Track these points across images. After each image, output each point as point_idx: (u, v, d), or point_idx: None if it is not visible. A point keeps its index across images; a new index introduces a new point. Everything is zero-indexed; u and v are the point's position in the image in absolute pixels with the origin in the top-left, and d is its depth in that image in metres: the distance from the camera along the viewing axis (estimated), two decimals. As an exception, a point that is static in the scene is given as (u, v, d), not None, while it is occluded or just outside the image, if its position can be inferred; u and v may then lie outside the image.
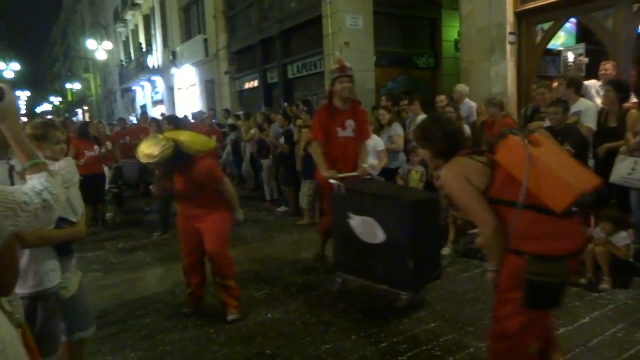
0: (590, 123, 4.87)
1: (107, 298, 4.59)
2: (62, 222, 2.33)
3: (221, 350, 3.42)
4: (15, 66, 43.41)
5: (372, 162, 5.60)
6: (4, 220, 1.13)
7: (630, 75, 5.94)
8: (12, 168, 1.91)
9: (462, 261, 5.00)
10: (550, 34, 7.07)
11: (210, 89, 17.74)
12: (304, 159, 7.35)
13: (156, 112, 21.08)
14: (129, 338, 3.70)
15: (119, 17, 28.34)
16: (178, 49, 19.73)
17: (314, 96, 11.91)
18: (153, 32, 23.66)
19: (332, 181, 4.20)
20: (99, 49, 29.18)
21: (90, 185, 7.09)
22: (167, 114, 20.10)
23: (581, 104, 4.99)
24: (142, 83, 26.35)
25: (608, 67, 5.40)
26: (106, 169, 8.09)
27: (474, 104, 6.94)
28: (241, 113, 11.55)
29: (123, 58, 30.07)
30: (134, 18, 26.77)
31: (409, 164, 6.41)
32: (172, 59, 20.12)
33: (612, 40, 6.18)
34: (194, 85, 19.14)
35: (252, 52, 14.44)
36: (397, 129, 6.47)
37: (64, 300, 2.46)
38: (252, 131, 9.25)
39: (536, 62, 7.23)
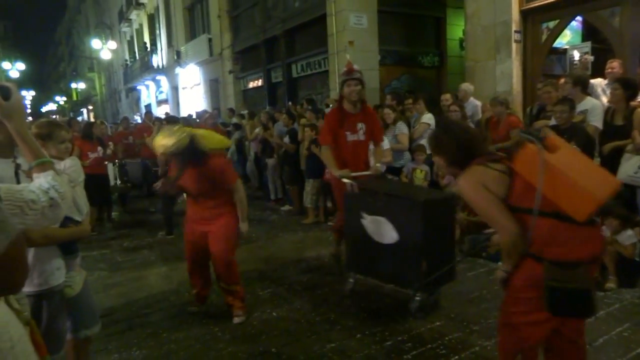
0: (596, 122, 4.85)
1: (112, 296, 4.61)
2: (67, 220, 2.35)
3: (226, 348, 3.43)
4: (20, 66, 43.68)
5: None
6: (11, 219, 1.14)
7: (636, 73, 5.90)
8: (18, 166, 1.92)
9: (467, 260, 4.99)
10: (556, 32, 7.04)
11: (214, 88, 17.77)
12: (307, 157, 7.36)
13: (160, 112, 21.12)
14: (134, 336, 3.72)
15: (123, 17, 28.44)
16: (182, 48, 19.78)
17: (318, 95, 11.93)
18: (157, 32, 23.73)
19: (345, 180, 4.15)
20: (104, 48, 29.35)
21: (94, 185, 7.13)
22: (172, 113, 20.17)
23: (587, 103, 4.97)
24: (146, 82, 26.44)
25: (614, 65, 5.37)
26: (109, 165, 8.10)
27: (478, 103, 6.92)
28: (245, 112, 11.55)
29: (127, 57, 30.17)
30: (138, 17, 26.85)
31: (413, 163, 6.40)
32: (177, 58, 20.17)
33: (618, 38, 6.16)
34: (198, 84, 19.18)
35: (256, 51, 14.45)
36: (402, 128, 6.46)
37: (68, 298, 2.48)
38: (257, 130, 9.26)
39: (541, 60, 7.20)
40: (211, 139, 3.74)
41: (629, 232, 4.24)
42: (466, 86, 7.14)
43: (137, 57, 27.74)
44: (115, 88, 35.11)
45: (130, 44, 29.93)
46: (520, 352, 2.31)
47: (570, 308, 2.10)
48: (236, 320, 3.83)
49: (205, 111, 13.32)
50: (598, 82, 5.59)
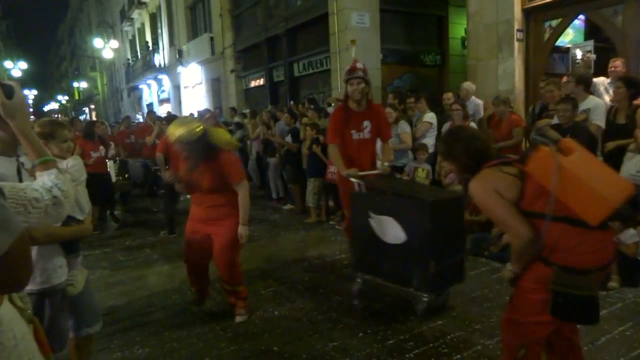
0: (599, 121, 4.83)
1: (115, 295, 4.62)
2: (69, 219, 2.37)
3: (228, 347, 3.44)
4: (23, 65, 43.81)
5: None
6: (16, 217, 1.14)
7: (639, 71, 5.89)
8: (21, 165, 1.92)
9: (470, 259, 4.98)
10: (558, 31, 7.02)
11: (216, 87, 17.77)
12: (308, 157, 7.36)
13: (162, 111, 21.14)
14: (137, 334, 3.73)
15: (125, 16, 28.44)
16: (184, 47, 19.78)
17: (320, 94, 11.92)
18: (159, 31, 23.74)
19: (353, 179, 4.09)
20: (106, 47, 29.38)
21: (97, 185, 7.13)
22: (173, 112, 20.19)
23: (590, 102, 4.95)
24: (148, 81, 26.45)
25: (617, 64, 5.36)
26: (110, 163, 8.10)
27: (480, 102, 6.92)
28: (247, 111, 11.56)
29: (129, 56, 30.19)
30: (140, 17, 26.86)
31: (415, 162, 6.39)
32: (178, 57, 20.17)
33: (620, 37, 6.14)
34: (200, 83, 19.18)
35: (258, 50, 14.44)
36: (404, 127, 6.46)
37: (70, 297, 2.49)
38: (258, 129, 9.26)
39: (544, 59, 7.18)
40: (223, 136, 3.79)
41: (632, 231, 4.23)
42: (468, 85, 7.13)
43: (139, 56, 27.75)
44: (117, 87, 35.15)
45: (132, 43, 29.95)
46: (523, 347, 2.30)
47: (574, 314, 2.11)
48: (238, 319, 3.84)
49: (207, 110, 13.28)
50: (600, 81, 5.58)
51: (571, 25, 7.24)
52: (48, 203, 1.51)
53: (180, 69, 20.56)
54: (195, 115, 12.99)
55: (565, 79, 5.54)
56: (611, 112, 4.88)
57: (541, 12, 6.99)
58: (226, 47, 16.05)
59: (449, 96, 6.88)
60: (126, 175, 8.93)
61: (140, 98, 29.77)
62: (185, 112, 18.49)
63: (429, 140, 6.63)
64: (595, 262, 2.08)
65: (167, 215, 7.00)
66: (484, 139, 2.46)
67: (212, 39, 17.00)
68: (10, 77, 36.22)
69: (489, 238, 5.16)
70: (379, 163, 4.67)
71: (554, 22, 7.04)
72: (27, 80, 52.76)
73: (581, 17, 7.32)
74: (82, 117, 29.96)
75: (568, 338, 2.36)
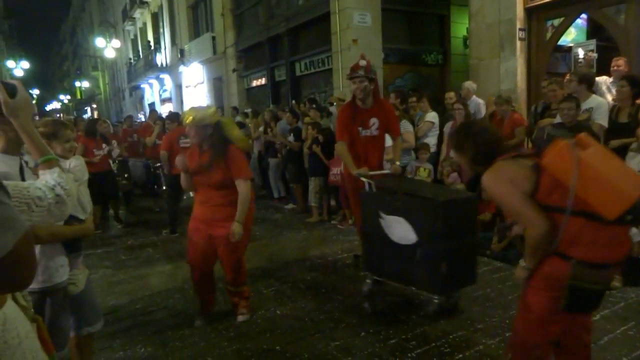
0: (601, 120, 4.82)
1: (117, 294, 4.63)
2: (71, 219, 2.38)
3: (230, 346, 3.44)
4: (25, 64, 43.86)
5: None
6: (20, 216, 1.14)
7: (641, 71, 5.87)
8: (25, 163, 1.93)
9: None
10: (561, 30, 7.00)
11: (217, 87, 17.77)
12: (309, 156, 7.37)
13: (164, 110, 21.15)
14: (139, 333, 3.73)
15: (127, 15, 28.45)
16: (186, 47, 19.79)
17: (321, 93, 11.92)
18: (161, 30, 23.75)
19: (363, 179, 4.04)
20: (108, 47, 29.41)
21: (102, 183, 7.15)
22: (175, 111, 20.20)
23: (592, 101, 4.94)
24: (150, 81, 26.46)
25: (620, 63, 5.34)
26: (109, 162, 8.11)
27: (481, 101, 6.91)
28: (249, 110, 11.57)
29: (131, 56, 30.21)
30: (142, 16, 26.88)
31: (417, 161, 6.39)
32: (180, 56, 20.18)
33: (623, 36, 6.12)
34: (202, 82, 19.18)
35: (260, 49, 14.45)
36: (407, 126, 6.45)
37: (72, 296, 2.50)
38: (260, 129, 9.27)
39: (546, 58, 7.17)
40: (235, 131, 3.73)
41: (634, 230, 4.21)
42: (469, 84, 7.12)
43: (141, 56, 27.77)
44: (119, 86, 35.18)
45: (134, 42, 29.97)
46: (538, 347, 2.26)
47: (583, 306, 2.13)
48: (240, 318, 3.84)
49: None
50: (603, 80, 5.57)
51: (573, 24, 7.22)
52: (51, 202, 1.51)
53: (182, 68, 20.57)
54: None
55: (567, 78, 5.53)
56: (613, 111, 4.86)
57: (543, 11, 6.98)
58: (228, 47, 16.05)
59: (450, 95, 6.87)
60: (126, 175, 8.89)
61: (142, 97, 29.78)
62: (187, 112, 18.46)
63: (431, 140, 6.63)
64: (612, 257, 2.07)
65: (170, 215, 7.01)
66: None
67: (213, 38, 17.00)
68: (13, 77, 36.27)
69: (500, 228, 5.07)
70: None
71: (556, 21, 7.03)
72: (29, 80, 52.82)
73: (583, 16, 7.30)
74: (85, 117, 30.03)
75: (579, 337, 2.34)
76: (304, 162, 7.66)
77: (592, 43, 6.74)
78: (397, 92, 7.79)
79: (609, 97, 5.30)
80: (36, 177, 1.67)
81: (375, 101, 4.52)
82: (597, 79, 5.47)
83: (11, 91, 1.60)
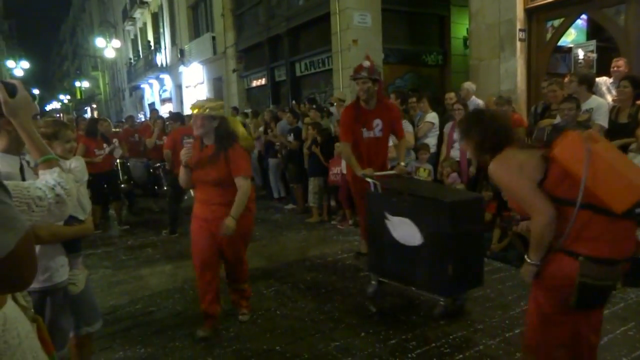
0: (602, 121, 4.82)
1: (116, 294, 4.62)
2: (71, 219, 2.40)
3: (230, 346, 3.44)
4: (25, 64, 43.86)
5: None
6: (21, 215, 1.14)
7: (641, 71, 5.87)
8: (27, 163, 1.93)
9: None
10: (561, 31, 7.01)
11: (218, 87, 17.78)
12: (309, 156, 7.38)
13: (164, 110, 21.16)
14: (138, 334, 3.73)
15: (127, 15, 28.46)
16: (186, 47, 19.80)
17: (321, 94, 11.93)
18: (161, 30, 23.76)
19: (369, 179, 4.00)
20: (108, 47, 29.40)
21: (104, 183, 7.14)
22: (175, 111, 20.20)
23: (593, 102, 4.94)
24: (150, 81, 26.47)
25: (620, 64, 5.34)
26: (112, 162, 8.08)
27: (480, 101, 6.91)
28: (249, 111, 11.58)
29: (131, 56, 30.21)
30: (142, 16, 26.89)
31: (417, 162, 6.39)
32: (180, 56, 20.19)
33: (623, 37, 6.13)
34: (202, 83, 19.19)
35: (260, 49, 14.45)
36: (407, 127, 6.43)
37: (71, 295, 2.50)
38: (261, 129, 9.27)
39: (546, 59, 7.17)
40: (241, 129, 3.71)
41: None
42: (468, 85, 7.13)
43: (141, 56, 27.78)
44: (119, 87, 35.19)
45: (134, 42, 29.98)
46: (562, 346, 2.22)
47: (592, 302, 2.10)
48: (241, 318, 3.84)
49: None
50: (603, 81, 5.57)
51: (573, 25, 7.22)
52: (51, 201, 1.51)
53: (182, 68, 20.58)
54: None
55: (567, 78, 5.53)
56: (613, 111, 4.87)
57: (543, 12, 6.98)
58: (228, 47, 16.05)
59: (451, 96, 6.87)
60: (125, 177, 8.85)
61: (142, 97, 29.79)
62: (187, 112, 18.48)
63: (431, 140, 6.64)
64: (620, 252, 2.03)
65: (171, 215, 6.99)
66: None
67: (214, 38, 17.01)
68: (13, 77, 36.26)
69: (506, 222, 5.02)
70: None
71: (556, 22, 7.04)
72: (29, 80, 52.75)
73: (583, 16, 7.30)
74: (85, 116, 29.99)
75: (587, 338, 2.30)
76: (304, 162, 7.66)
77: (592, 44, 6.75)
78: (397, 92, 7.79)
79: (609, 98, 5.31)
80: (37, 177, 1.67)
81: (379, 102, 4.49)
82: (597, 79, 5.47)
83: (11, 91, 1.60)
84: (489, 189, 5.37)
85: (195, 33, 19.53)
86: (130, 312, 4.19)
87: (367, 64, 4.36)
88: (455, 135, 6.25)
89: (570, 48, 7.22)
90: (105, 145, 7.27)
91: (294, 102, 11.07)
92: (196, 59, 18.71)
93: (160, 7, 23.26)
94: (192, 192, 4.00)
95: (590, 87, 5.11)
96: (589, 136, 2.08)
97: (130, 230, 7.42)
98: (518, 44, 7.03)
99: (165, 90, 24.89)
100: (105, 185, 7.27)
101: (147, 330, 3.79)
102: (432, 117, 6.69)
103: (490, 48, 7.36)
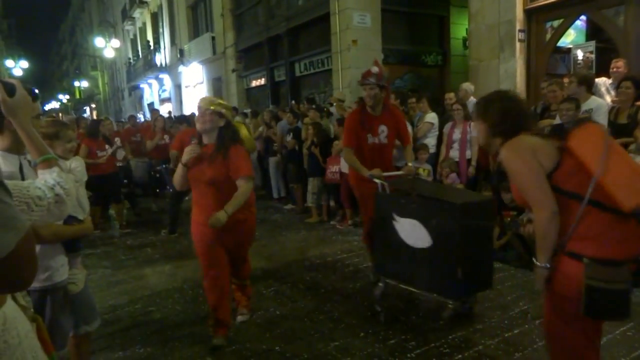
0: (601, 121, 4.80)
1: (116, 294, 4.62)
2: (70, 219, 2.41)
3: (230, 346, 3.43)
4: (24, 64, 43.85)
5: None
6: (21, 215, 1.14)
7: (641, 72, 5.88)
8: (29, 162, 1.93)
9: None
10: (560, 32, 7.02)
11: (217, 87, 17.78)
12: (308, 156, 7.38)
13: (163, 110, 21.12)
14: (138, 333, 3.73)
15: (126, 15, 28.46)
16: (185, 47, 19.79)
17: (321, 94, 11.93)
18: (161, 30, 23.75)
19: (376, 180, 3.93)
20: (107, 46, 29.43)
21: (106, 185, 7.11)
22: (174, 111, 20.21)
23: (592, 102, 4.95)
24: (149, 81, 26.46)
25: (620, 65, 5.35)
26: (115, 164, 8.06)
27: (479, 102, 6.91)
28: (248, 111, 11.58)
29: (131, 56, 30.20)
30: (141, 16, 26.88)
31: (416, 162, 6.38)
32: (180, 56, 20.18)
33: (622, 37, 6.13)
34: (201, 82, 19.18)
35: (260, 49, 14.46)
36: (406, 127, 6.45)
37: (70, 295, 2.50)
38: (260, 129, 9.27)
39: (545, 59, 7.18)
40: (244, 131, 3.73)
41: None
42: (467, 86, 7.14)
43: (140, 56, 27.77)
44: (118, 86, 35.17)
45: (134, 42, 29.96)
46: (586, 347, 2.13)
47: (606, 310, 1.96)
48: (240, 318, 3.84)
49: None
50: (602, 82, 5.58)
51: (573, 25, 7.23)
52: (51, 201, 1.51)
53: (181, 68, 20.57)
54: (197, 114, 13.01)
55: (567, 79, 5.54)
56: (612, 112, 4.87)
57: (543, 13, 6.99)
58: (227, 47, 16.05)
59: (450, 96, 6.88)
60: (125, 181, 8.79)
61: (141, 97, 29.78)
62: (187, 112, 18.48)
63: (430, 141, 6.64)
64: (624, 253, 1.95)
65: (171, 215, 6.98)
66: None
67: (213, 38, 17.01)
68: (12, 76, 36.21)
69: (517, 223, 4.97)
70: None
71: (556, 23, 7.04)
72: (28, 79, 52.73)
73: (583, 17, 7.31)
74: (84, 116, 29.94)
75: (593, 341, 2.22)
76: (304, 162, 7.66)
77: (591, 44, 6.75)
78: (397, 93, 7.79)
79: (608, 99, 5.31)
80: (37, 176, 1.67)
81: (385, 108, 4.42)
82: (596, 80, 5.48)
83: (10, 90, 1.60)
84: (489, 189, 5.37)
85: (195, 33, 19.53)
86: (130, 311, 4.19)
87: (375, 69, 4.28)
88: (455, 136, 6.27)
89: (570, 49, 7.23)
90: (107, 146, 7.24)
91: (293, 102, 11.08)
92: (196, 59, 18.71)
93: (160, 7, 23.25)
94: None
95: (590, 87, 5.11)
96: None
97: (130, 230, 7.41)
98: (517, 44, 7.03)
99: (164, 90, 24.88)
100: (108, 188, 7.25)
101: (146, 330, 3.79)
102: (432, 117, 6.70)
103: (490, 49, 7.36)
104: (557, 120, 4.90)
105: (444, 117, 6.81)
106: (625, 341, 3.28)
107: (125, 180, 8.74)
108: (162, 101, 25.06)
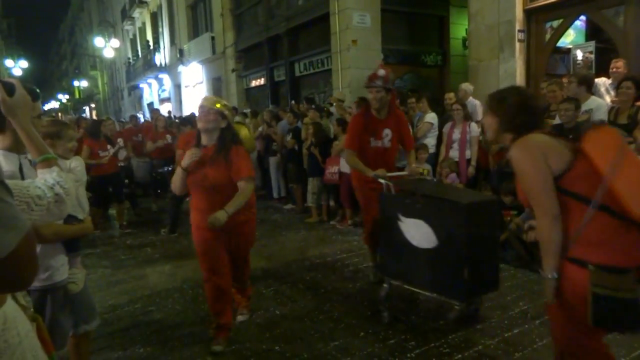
0: (601, 121, 4.84)
1: (116, 294, 4.62)
2: (70, 218, 2.42)
3: (230, 346, 3.43)
4: (23, 63, 43.84)
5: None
6: (22, 215, 1.14)
7: (640, 72, 5.88)
8: (28, 162, 1.93)
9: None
10: (560, 32, 7.02)
11: (217, 87, 17.77)
12: (308, 156, 7.38)
13: (163, 110, 21.10)
14: (138, 333, 3.73)
15: (126, 15, 28.44)
16: (185, 47, 19.79)
17: (321, 94, 11.94)
18: (160, 30, 23.74)
19: (381, 180, 3.91)
20: (107, 46, 29.41)
21: (108, 185, 7.11)
22: (174, 111, 20.20)
23: (592, 102, 4.95)
24: (149, 80, 26.45)
25: (619, 65, 5.35)
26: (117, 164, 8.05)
27: (477, 102, 6.93)
28: (248, 111, 11.57)
29: (130, 55, 30.19)
30: (141, 16, 26.87)
31: (416, 162, 6.37)
32: (179, 56, 20.18)
33: (622, 38, 6.14)
34: (201, 82, 19.18)
35: (259, 49, 14.45)
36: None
37: (71, 294, 2.51)
38: (260, 128, 9.26)
39: (545, 59, 7.19)
40: (244, 132, 3.69)
41: None
42: (466, 86, 7.15)
43: (140, 55, 27.76)
44: (118, 86, 35.15)
45: (133, 42, 29.95)
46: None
47: (617, 321, 1.89)
48: (240, 318, 3.84)
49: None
50: (602, 82, 5.58)
51: (572, 26, 7.23)
52: (50, 201, 1.51)
53: (181, 68, 20.57)
54: (197, 114, 13.00)
55: (566, 79, 5.54)
56: (612, 112, 4.87)
57: (542, 13, 7.00)
58: (227, 47, 16.05)
59: (450, 96, 6.89)
60: (126, 181, 8.78)
61: (140, 97, 29.77)
62: (186, 112, 18.49)
63: (430, 141, 6.65)
64: (630, 260, 1.90)
65: (172, 214, 6.97)
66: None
67: (213, 38, 17.01)
68: (11, 76, 36.18)
69: (521, 227, 4.93)
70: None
71: (555, 23, 7.05)
72: (27, 79, 52.66)
73: (582, 17, 7.32)
74: (83, 115, 29.92)
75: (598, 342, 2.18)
76: (304, 162, 7.66)
77: (591, 45, 6.76)
78: (397, 93, 7.80)
79: (608, 99, 5.32)
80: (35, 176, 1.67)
81: (390, 112, 4.37)
82: (595, 80, 5.48)
83: (9, 90, 1.60)
84: (488, 189, 5.37)
85: (195, 33, 19.53)
86: (130, 311, 4.19)
87: (382, 72, 4.23)
88: (454, 136, 6.27)
89: (569, 49, 7.24)
90: (109, 146, 7.23)
91: (293, 102, 11.08)
92: (195, 59, 18.71)
93: (160, 7, 23.25)
94: None
95: (590, 87, 5.12)
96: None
97: (130, 230, 7.40)
98: (517, 44, 7.04)
99: (164, 90, 24.87)
100: (110, 189, 7.24)
101: (146, 329, 3.79)
102: (431, 117, 6.70)
103: (490, 49, 7.37)
104: (557, 121, 4.90)
105: (444, 117, 6.82)
106: (625, 341, 3.28)
107: (126, 180, 8.73)
108: (162, 101, 25.04)
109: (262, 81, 14.99)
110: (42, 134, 1.73)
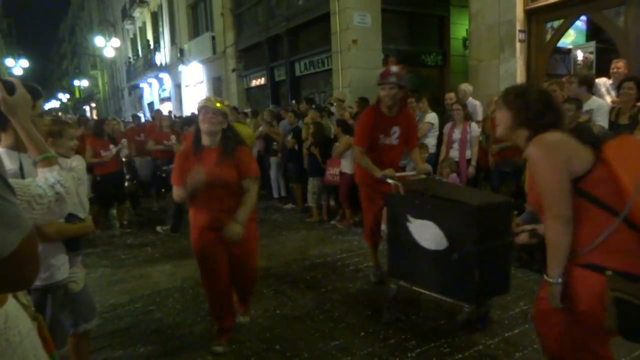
0: (602, 121, 4.83)
1: (116, 293, 4.62)
2: (71, 217, 2.42)
3: (230, 346, 3.43)
4: (24, 63, 43.79)
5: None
6: (24, 214, 1.14)
7: (641, 73, 5.88)
8: (28, 160, 1.93)
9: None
10: (560, 32, 7.02)
11: (217, 86, 17.77)
12: (308, 156, 7.38)
13: (163, 110, 21.09)
14: (138, 332, 3.73)
15: (126, 14, 28.44)
16: (185, 46, 19.79)
17: (321, 93, 11.94)
18: (160, 29, 23.75)
19: (390, 181, 3.86)
20: (107, 45, 29.41)
21: (110, 184, 7.11)
22: (174, 111, 20.21)
23: (593, 102, 4.95)
24: (149, 80, 26.45)
25: (620, 65, 5.35)
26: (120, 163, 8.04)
27: (477, 102, 6.93)
28: (248, 110, 11.57)
29: (130, 55, 30.19)
30: (141, 15, 26.87)
31: (417, 162, 6.39)
32: (180, 56, 20.18)
33: (623, 38, 6.14)
34: (201, 82, 19.18)
35: (260, 49, 14.45)
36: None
37: (71, 293, 2.51)
38: (260, 128, 9.26)
39: (546, 60, 7.19)
40: (244, 130, 3.67)
41: None
42: (465, 86, 7.15)
43: (140, 55, 27.76)
44: (118, 86, 35.15)
45: (134, 41, 29.95)
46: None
47: (637, 328, 1.80)
48: (240, 318, 3.83)
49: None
50: (602, 82, 5.58)
51: (573, 26, 7.23)
52: (51, 199, 1.51)
53: (181, 67, 20.57)
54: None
55: (567, 79, 5.54)
56: (613, 112, 4.88)
57: (543, 13, 6.99)
58: (227, 46, 16.05)
59: (450, 96, 6.89)
60: (128, 177, 8.78)
61: (141, 97, 29.76)
62: (187, 111, 18.50)
63: (430, 140, 6.65)
64: None
65: (175, 214, 6.94)
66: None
67: (213, 37, 17.02)
68: (12, 75, 36.16)
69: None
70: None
71: (556, 23, 7.05)
72: (28, 78, 52.67)
73: (583, 18, 7.32)
74: (84, 115, 29.90)
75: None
76: (304, 162, 7.67)
77: (592, 45, 6.76)
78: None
79: (608, 99, 5.32)
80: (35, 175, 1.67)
81: (400, 110, 4.33)
82: (596, 80, 5.49)
83: (9, 89, 1.60)
84: (488, 189, 5.37)
85: (195, 32, 19.53)
86: (130, 310, 4.19)
87: (395, 69, 4.19)
88: (455, 136, 6.27)
89: (570, 49, 7.24)
90: (111, 145, 7.23)
91: (293, 101, 11.08)
92: (195, 59, 18.71)
93: (160, 6, 23.24)
94: None
95: (590, 88, 5.12)
96: None
97: (130, 230, 7.40)
98: (518, 44, 7.04)
99: (164, 90, 24.86)
100: (112, 188, 7.24)
101: (146, 329, 3.79)
102: (432, 117, 6.70)
103: (490, 49, 7.37)
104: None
105: (444, 117, 6.82)
106: (624, 341, 3.27)
107: (127, 176, 8.72)
108: (162, 100, 25.04)
109: (262, 81, 14.99)
110: (44, 133, 1.73)
